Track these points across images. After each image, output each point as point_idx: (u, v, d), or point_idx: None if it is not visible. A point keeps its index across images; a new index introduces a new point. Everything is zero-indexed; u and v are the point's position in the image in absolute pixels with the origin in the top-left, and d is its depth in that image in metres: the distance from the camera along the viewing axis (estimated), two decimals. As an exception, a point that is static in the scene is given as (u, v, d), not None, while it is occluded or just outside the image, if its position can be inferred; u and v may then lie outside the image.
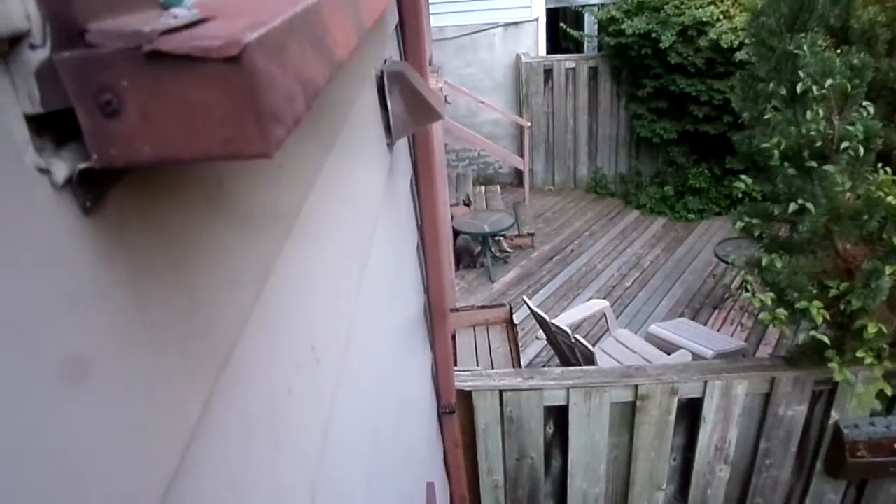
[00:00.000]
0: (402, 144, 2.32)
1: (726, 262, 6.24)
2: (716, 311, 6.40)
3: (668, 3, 7.35)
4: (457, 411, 3.13)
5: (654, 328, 5.48)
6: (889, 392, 2.91)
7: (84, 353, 0.39)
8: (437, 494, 2.67)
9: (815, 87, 2.40)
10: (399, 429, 1.99)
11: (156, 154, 0.36)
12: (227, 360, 0.58)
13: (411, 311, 2.52)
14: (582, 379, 3.15)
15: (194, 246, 0.53)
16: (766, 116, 2.57)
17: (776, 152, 2.51)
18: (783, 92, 2.52)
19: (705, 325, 6.02)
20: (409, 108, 1.83)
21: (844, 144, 2.40)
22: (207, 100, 0.35)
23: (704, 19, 7.02)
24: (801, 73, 2.43)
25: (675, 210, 8.21)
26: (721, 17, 6.89)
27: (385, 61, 1.87)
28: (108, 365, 0.42)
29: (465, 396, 3.18)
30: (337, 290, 1.13)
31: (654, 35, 7.30)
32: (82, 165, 0.37)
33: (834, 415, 3.21)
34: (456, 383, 3.12)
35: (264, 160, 0.36)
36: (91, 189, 0.39)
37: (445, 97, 6.53)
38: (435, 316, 2.87)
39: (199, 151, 0.36)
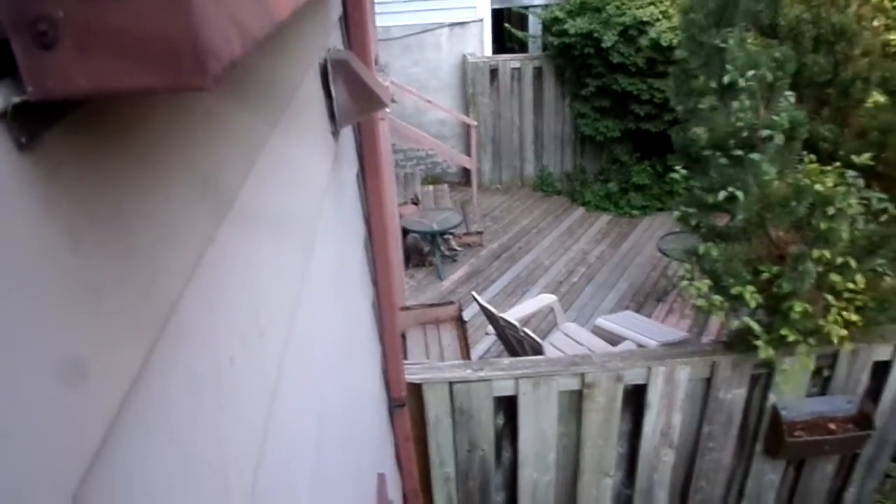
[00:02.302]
0: (348, 138, 2.32)
1: (668, 256, 6.41)
2: (659, 304, 6.56)
3: (609, 4, 7.51)
4: (407, 404, 3.15)
5: (601, 321, 5.59)
6: (814, 368, 3.04)
7: (13, 292, 0.39)
8: (389, 488, 2.68)
9: (741, 79, 2.50)
10: (348, 418, 1.99)
11: (92, 86, 0.37)
12: (168, 317, 0.59)
13: (359, 303, 2.52)
14: (530, 369, 3.20)
15: (135, 198, 0.53)
16: (699, 107, 2.67)
17: (705, 142, 2.61)
18: (713, 85, 2.62)
19: (649, 317, 6.17)
20: (353, 96, 1.84)
21: (766, 133, 2.50)
22: (144, 31, 0.36)
23: (645, 19, 7.20)
24: (728, 67, 2.53)
25: (620, 206, 8.39)
26: (661, 16, 7.08)
27: (329, 50, 1.87)
28: (40, 307, 0.42)
29: (415, 389, 3.19)
30: (282, 269, 1.13)
31: (596, 35, 7.45)
32: (16, 99, 0.38)
33: (772, 397, 3.33)
34: (406, 376, 3.13)
35: (208, 113, 0.38)
36: (27, 125, 0.39)
37: (392, 97, 6.53)
38: (384, 309, 2.87)
39: (136, 83, 0.37)
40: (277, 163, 1.13)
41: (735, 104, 2.54)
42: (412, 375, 3.17)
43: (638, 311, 6.28)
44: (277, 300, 1.08)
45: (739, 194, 2.56)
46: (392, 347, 2.96)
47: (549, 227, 8.24)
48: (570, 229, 8.16)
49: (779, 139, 2.57)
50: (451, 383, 3.16)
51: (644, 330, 5.35)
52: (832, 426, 3.37)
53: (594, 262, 7.40)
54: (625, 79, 7.69)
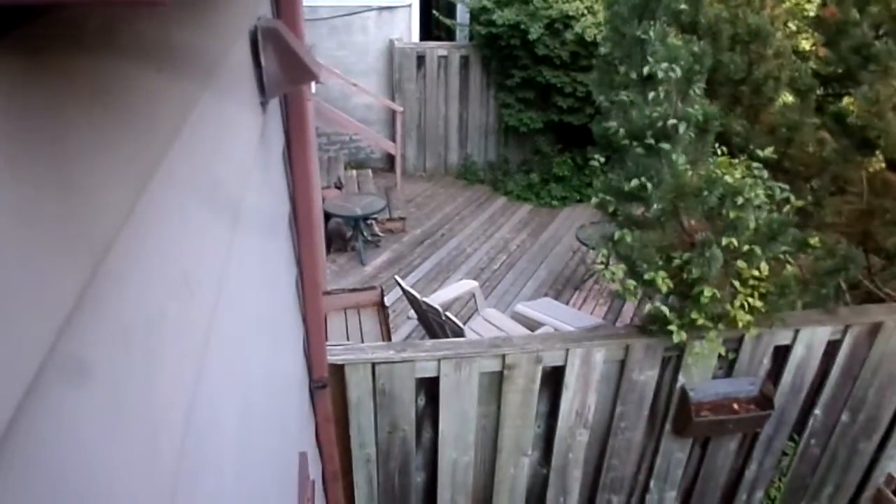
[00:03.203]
0: (276, 112, 2.28)
1: (586, 245, 6.59)
2: (577, 292, 6.75)
3: (536, -4, 7.64)
4: (329, 386, 3.13)
5: (520, 307, 5.70)
6: (722, 352, 3.21)
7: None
8: (310, 468, 2.66)
9: (660, 71, 2.61)
10: (270, 394, 1.96)
11: (41, -8, 0.36)
12: (101, 259, 0.57)
13: (283, 281, 2.49)
14: (452, 350, 3.23)
15: (73, 133, 0.51)
16: (619, 98, 2.77)
17: (622, 131, 2.71)
18: (633, 76, 2.72)
19: (567, 304, 6.34)
20: (283, 66, 1.81)
21: (673, 122, 2.62)
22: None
23: (570, 13, 7.35)
24: (649, 58, 2.63)
25: (541, 197, 8.56)
26: (586, 11, 7.25)
27: (259, 18, 1.83)
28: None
29: (338, 371, 3.18)
30: (210, 234, 1.11)
31: (522, 27, 7.56)
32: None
33: (681, 379, 3.49)
34: (328, 358, 3.12)
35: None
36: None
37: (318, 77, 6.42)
38: (307, 289, 2.84)
39: (88, -7, 0.36)
40: (207, 124, 1.11)
41: (651, 95, 2.64)
42: (334, 356, 3.15)
43: (556, 298, 6.45)
44: (205, 264, 1.06)
45: (648, 183, 2.67)
46: (315, 328, 2.94)
47: (471, 215, 8.33)
48: (492, 218, 8.28)
49: (691, 131, 2.69)
50: (373, 364, 3.16)
51: (562, 316, 5.50)
52: (736, 406, 3.56)
53: (515, 250, 7.53)
54: (549, 71, 7.84)
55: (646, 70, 2.63)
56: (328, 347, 3.13)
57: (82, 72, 0.55)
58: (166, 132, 0.82)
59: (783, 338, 3.50)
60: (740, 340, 3.43)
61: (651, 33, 2.63)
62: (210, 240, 1.11)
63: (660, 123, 2.64)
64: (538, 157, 8.83)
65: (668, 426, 3.66)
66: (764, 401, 3.58)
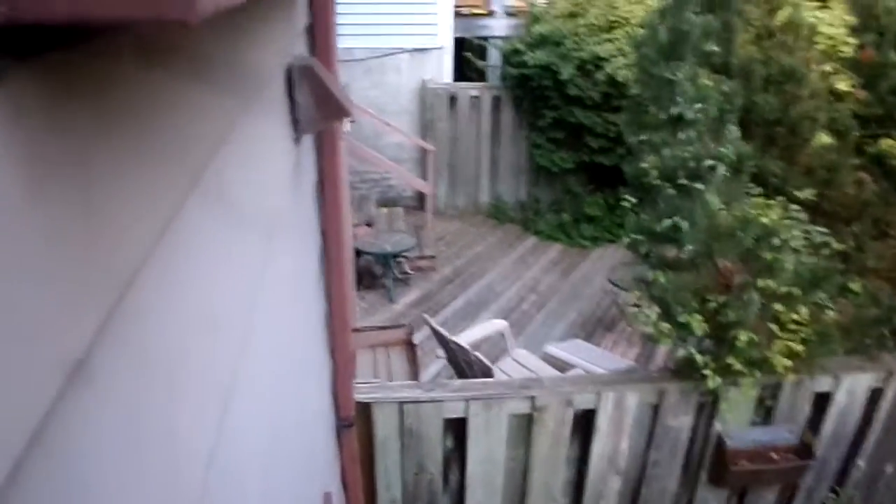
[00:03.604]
0: (308, 148, 2.30)
1: (618, 287, 6.50)
2: (608, 334, 6.64)
3: (568, 39, 7.68)
4: (355, 425, 3.09)
5: (550, 348, 5.62)
6: (759, 398, 3.10)
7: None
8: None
9: (689, 111, 2.58)
10: (297, 431, 1.94)
11: (70, 10, 0.35)
12: (126, 289, 0.56)
13: (312, 317, 2.48)
14: (481, 391, 3.18)
15: (102, 156, 0.51)
16: (646, 138, 2.74)
17: (654, 172, 2.68)
18: (663, 116, 2.70)
19: (598, 346, 6.24)
20: (317, 103, 1.82)
21: (710, 163, 2.59)
22: (128, -44, 0.34)
23: (601, 55, 7.39)
24: (678, 99, 2.61)
25: (572, 237, 8.50)
26: (617, 53, 7.28)
27: (295, 56, 1.86)
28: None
29: (364, 409, 3.14)
30: (240, 267, 1.10)
31: (554, 68, 7.60)
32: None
33: (717, 425, 3.38)
34: (355, 395, 3.08)
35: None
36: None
37: (351, 116, 6.52)
38: (336, 325, 2.83)
39: (117, 10, 0.35)
40: (241, 155, 1.11)
41: (682, 135, 2.61)
42: (362, 395, 3.12)
43: (587, 339, 6.34)
44: (234, 298, 1.05)
45: (684, 224, 2.63)
46: (343, 365, 2.91)
47: (502, 254, 8.29)
48: (522, 257, 8.23)
49: (724, 170, 2.65)
50: (401, 403, 3.12)
51: (592, 358, 5.40)
52: (774, 455, 3.44)
53: (545, 290, 7.46)
54: (580, 112, 7.86)
55: (675, 111, 2.61)
56: (355, 385, 3.11)
57: (115, 95, 0.54)
58: (202, 158, 0.81)
59: (824, 384, 3.38)
60: (778, 387, 3.32)
61: (680, 74, 2.61)
62: (239, 274, 1.10)
63: (692, 163, 2.61)
64: (569, 196, 8.80)
65: (703, 475, 3.54)
66: (804, 450, 3.45)
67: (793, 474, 3.50)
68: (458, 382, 3.30)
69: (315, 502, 2.21)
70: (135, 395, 0.61)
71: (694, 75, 2.71)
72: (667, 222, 2.67)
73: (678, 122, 2.64)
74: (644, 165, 2.72)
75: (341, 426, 3.01)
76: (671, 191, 2.68)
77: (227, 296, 0.98)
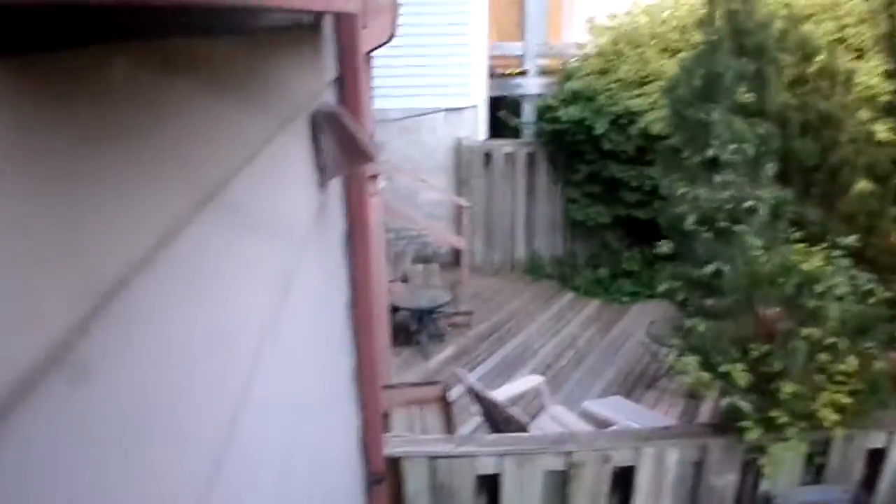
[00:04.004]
0: (336, 197, 2.32)
1: (657, 342, 6.34)
2: (649, 391, 6.44)
3: (601, 94, 7.74)
4: (386, 480, 3.01)
5: (588, 405, 5.46)
6: (804, 452, 2.94)
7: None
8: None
9: (725, 153, 2.54)
10: (314, 483, 1.89)
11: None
12: (107, 299, 0.54)
13: (338, 367, 2.45)
14: (515, 446, 3.08)
15: (84, 165, 0.50)
16: (681, 183, 2.70)
17: (691, 217, 2.62)
18: (698, 159, 2.66)
19: (639, 403, 6.04)
20: (341, 147, 1.84)
21: (749, 204, 2.52)
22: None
23: (635, 109, 7.41)
24: (712, 141, 2.58)
25: (610, 292, 8.38)
26: (650, 107, 7.28)
27: (322, 104, 1.88)
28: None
29: (394, 464, 3.06)
30: (252, 292, 1.08)
31: (587, 122, 7.64)
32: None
33: (764, 484, 3.21)
34: (385, 450, 3.02)
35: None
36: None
37: (386, 174, 6.61)
38: (365, 378, 2.79)
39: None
40: (260, 184, 1.11)
41: (719, 178, 2.56)
42: (392, 449, 3.05)
43: (627, 397, 6.16)
44: (244, 328, 1.03)
45: (726, 268, 2.55)
46: (373, 418, 2.86)
47: (538, 310, 8.19)
48: (559, 313, 8.11)
49: (764, 213, 2.58)
50: (431, 458, 3.04)
51: (633, 416, 5.22)
52: (827, 517, 3.24)
53: (583, 346, 7.31)
54: (615, 165, 7.84)
55: (710, 153, 2.57)
56: (386, 439, 3.04)
57: (112, 99, 0.54)
58: (211, 177, 0.80)
59: (877, 440, 3.20)
60: (828, 443, 3.15)
61: (715, 115, 2.58)
62: (254, 300, 1.08)
63: (730, 205, 2.55)
64: (606, 252, 8.71)
65: (752, 537, 3.34)
66: (860, 512, 3.24)
67: (849, 538, 3.29)
68: (491, 437, 3.21)
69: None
70: (136, 390, 0.59)
71: (729, 118, 2.67)
72: (709, 268, 2.59)
73: (713, 164, 2.60)
74: (680, 210, 2.66)
75: (371, 481, 2.94)
76: (708, 235, 2.62)
77: (236, 320, 0.96)
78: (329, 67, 2.16)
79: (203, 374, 0.81)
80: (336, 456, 2.36)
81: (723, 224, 2.59)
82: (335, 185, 2.26)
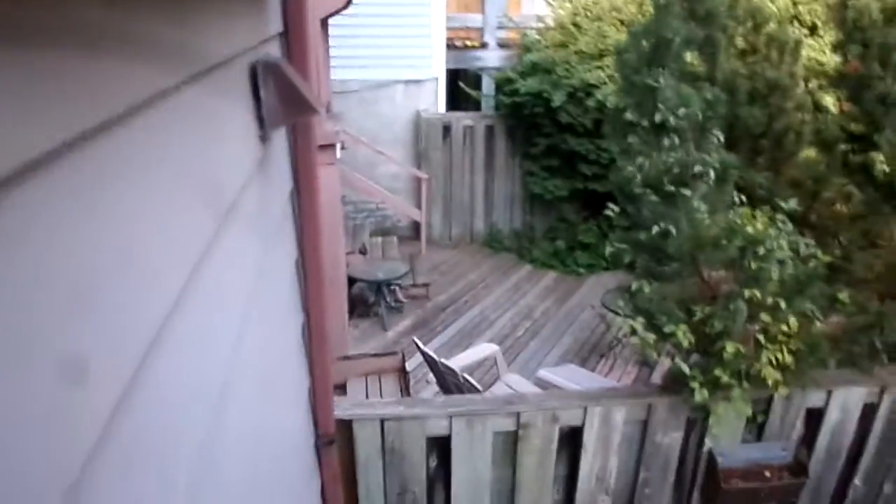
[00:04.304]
0: (283, 158, 2.28)
1: (610, 311, 6.44)
2: (603, 360, 6.56)
3: (559, 66, 7.76)
4: (337, 443, 3.01)
5: (543, 373, 5.53)
6: (748, 412, 3.03)
7: None
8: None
9: (671, 118, 2.57)
10: (269, 446, 1.88)
11: None
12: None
13: (286, 328, 2.43)
14: (465, 407, 3.11)
15: None
16: (629, 146, 2.72)
17: (637, 178, 2.66)
18: (645, 123, 2.68)
19: (593, 371, 6.15)
20: (283, 99, 1.81)
21: (697, 169, 2.56)
22: None
23: (592, 82, 7.45)
24: (660, 105, 2.60)
25: (567, 264, 8.47)
26: (607, 80, 7.33)
27: (263, 54, 1.85)
28: None
29: (346, 427, 3.07)
30: (172, 232, 1.06)
31: (545, 95, 7.66)
32: None
33: (708, 443, 3.30)
34: (336, 412, 3.01)
35: None
36: None
37: (342, 143, 6.54)
38: (314, 339, 2.77)
39: None
40: (183, 129, 1.09)
41: (666, 141, 2.59)
42: (342, 412, 3.05)
43: (582, 365, 6.26)
44: (172, 253, 1.01)
45: (672, 229, 2.59)
46: (322, 380, 2.85)
47: (496, 282, 8.25)
48: (516, 285, 8.18)
49: (710, 177, 2.63)
50: (382, 420, 3.05)
51: (586, 382, 5.31)
52: (767, 474, 3.35)
53: (539, 317, 7.40)
54: (573, 139, 7.89)
55: (658, 118, 2.60)
56: (337, 402, 3.04)
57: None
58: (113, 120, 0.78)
59: (816, 399, 3.31)
60: (769, 402, 3.25)
61: (662, 80, 2.61)
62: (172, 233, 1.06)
63: (676, 170, 2.59)
64: (564, 224, 8.79)
65: (696, 494, 3.44)
66: (798, 468, 3.36)
67: (788, 493, 3.40)
68: (441, 398, 3.24)
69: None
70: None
71: (676, 83, 2.70)
72: (654, 229, 2.63)
73: (661, 129, 2.63)
74: (629, 170, 2.69)
75: (321, 443, 2.93)
76: (654, 198, 2.66)
77: (164, 255, 0.95)
78: (274, 21, 2.12)
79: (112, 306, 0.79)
80: (284, 418, 2.35)
81: (669, 188, 2.62)
82: (281, 144, 2.23)
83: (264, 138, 1.86)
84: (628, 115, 2.69)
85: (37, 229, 0.59)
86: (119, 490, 0.75)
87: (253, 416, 1.77)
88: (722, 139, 2.70)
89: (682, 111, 2.54)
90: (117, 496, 0.74)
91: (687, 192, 2.61)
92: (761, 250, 2.78)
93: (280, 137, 2.22)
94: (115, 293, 0.77)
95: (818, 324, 3.07)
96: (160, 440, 0.93)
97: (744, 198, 2.97)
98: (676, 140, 2.60)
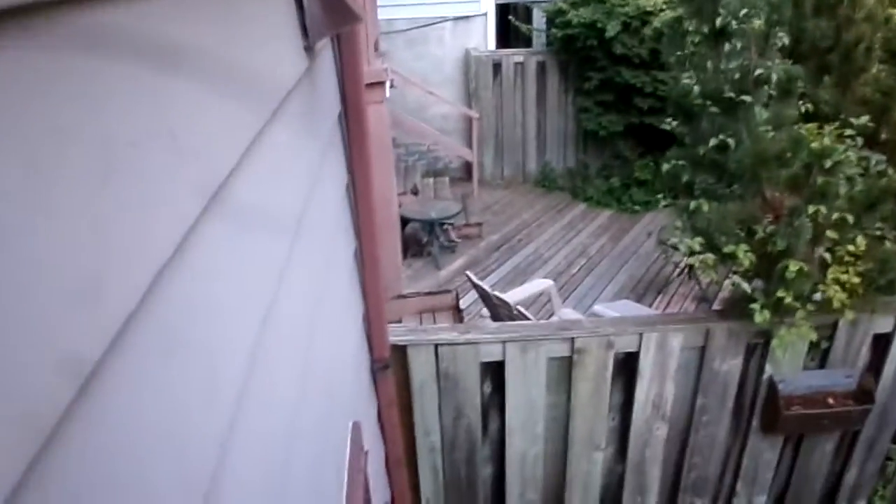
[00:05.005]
0: (331, 81, 2.26)
1: (667, 246, 6.31)
2: (660, 296, 6.46)
3: (612, -7, 7.47)
4: (392, 368, 3.06)
5: (598, 308, 5.50)
6: (812, 338, 2.93)
7: None
8: (372, 457, 2.59)
9: (734, 22, 2.43)
10: (327, 363, 1.92)
11: None
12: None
13: (339, 252, 2.44)
14: (519, 332, 3.11)
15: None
16: (687, 54, 2.59)
17: (696, 90, 2.54)
18: (705, 30, 2.55)
19: (650, 307, 6.07)
20: (325, 7, 1.78)
21: (759, 72, 2.42)
22: None
23: (647, 8, 7.15)
24: (720, 10, 2.46)
25: (622, 202, 8.31)
26: (664, 6, 7.02)
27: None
28: None
29: (401, 352, 3.11)
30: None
31: (599, 25, 7.40)
32: None
33: (768, 369, 3.23)
34: (391, 338, 3.05)
35: None
36: None
37: (391, 81, 6.47)
38: (367, 264, 2.78)
39: None
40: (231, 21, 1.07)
41: (727, 47, 2.46)
42: (397, 337, 3.08)
43: (638, 301, 6.19)
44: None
45: (731, 141, 2.48)
46: (375, 305, 2.88)
47: (550, 221, 8.16)
48: (570, 223, 8.08)
49: (772, 84, 2.49)
50: (436, 346, 3.07)
51: (642, 316, 5.25)
52: (831, 401, 3.26)
53: (594, 254, 7.31)
54: (628, 71, 7.64)
55: (718, 22, 2.46)
56: (391, 328, 3.07)
57: None
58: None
59: (884, 325, 3.19)
60: (834, 328, 3.14)
61: (722, -18, 2.46)
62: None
63: (737, 76, 2.45)
64: (618, 161, 8.59)
65: (755, 422, 3.39)
66: (863, 396, 3.26)
67: (851, 421, 3.32)
68: (495, 324, 3.24)
69: (344, 428, 2.19)
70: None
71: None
72: (713, 141, 2.51)
73: (720, 36, 2.49)
74: (686, 82, 2.57)
75: (377, 368, 2.98)
76: (714, 110, 2.53)
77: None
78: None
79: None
80: (345, 340, 2.39)
81: (730, 94, 2.49)
82: (329, 66, 2.21)
83: (309, 48, 1.84)
84: (685, 25, 2.56)
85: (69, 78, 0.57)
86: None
87: (303, 331, 1.79)
88: (787, 42, 2.54)
89: (743, 13, 2.40)
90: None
91: (748, 98, 2.48)
92: (828, 163, 2.65)
93: (327, 59, 2.20)
94: (146, 163, 0.74)
95: (888, 244, 2.93)
96: (206, 339, 0.88)
97: (810, 111, 2.81)
98: (738, 45, 2.47)
